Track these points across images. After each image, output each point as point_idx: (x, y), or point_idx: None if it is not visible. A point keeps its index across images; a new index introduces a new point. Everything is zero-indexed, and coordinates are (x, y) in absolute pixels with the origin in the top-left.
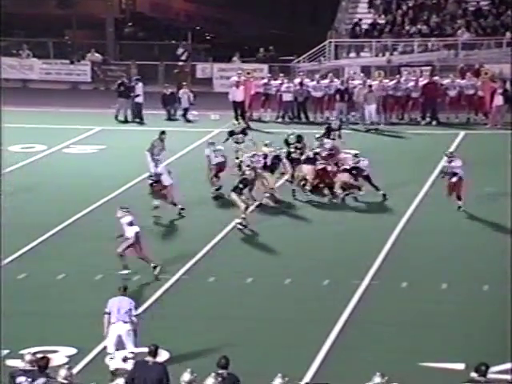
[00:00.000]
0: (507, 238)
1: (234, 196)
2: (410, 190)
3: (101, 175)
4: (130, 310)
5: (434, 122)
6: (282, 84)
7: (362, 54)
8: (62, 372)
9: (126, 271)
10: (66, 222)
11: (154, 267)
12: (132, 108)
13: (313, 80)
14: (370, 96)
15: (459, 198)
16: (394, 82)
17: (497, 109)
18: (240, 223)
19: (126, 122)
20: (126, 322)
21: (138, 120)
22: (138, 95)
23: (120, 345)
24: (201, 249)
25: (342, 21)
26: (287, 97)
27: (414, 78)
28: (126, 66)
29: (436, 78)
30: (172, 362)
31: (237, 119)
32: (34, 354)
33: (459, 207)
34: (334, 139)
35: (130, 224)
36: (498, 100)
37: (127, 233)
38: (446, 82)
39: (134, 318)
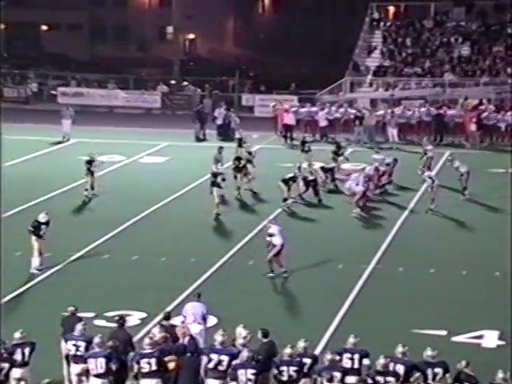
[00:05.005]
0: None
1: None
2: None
3: (166, 180)
4: (203, 313)
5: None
6: (315, 111)
7: (371, 89)
8: (96, 339)
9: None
10: (140, 215)
11: (285, 272)
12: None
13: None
14: (391, 121)
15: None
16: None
17: (472, 134)
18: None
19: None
20: (199, 324)
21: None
22: (215, 118)
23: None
24: (243, 239)
25: (357, 63)
26: (323, 122)
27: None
28: (188, 96)
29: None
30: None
31: (285, 138)
32: (84, 324)
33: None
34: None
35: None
36: (473, 127)
37: (274, 241)
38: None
39: (207, 319)
